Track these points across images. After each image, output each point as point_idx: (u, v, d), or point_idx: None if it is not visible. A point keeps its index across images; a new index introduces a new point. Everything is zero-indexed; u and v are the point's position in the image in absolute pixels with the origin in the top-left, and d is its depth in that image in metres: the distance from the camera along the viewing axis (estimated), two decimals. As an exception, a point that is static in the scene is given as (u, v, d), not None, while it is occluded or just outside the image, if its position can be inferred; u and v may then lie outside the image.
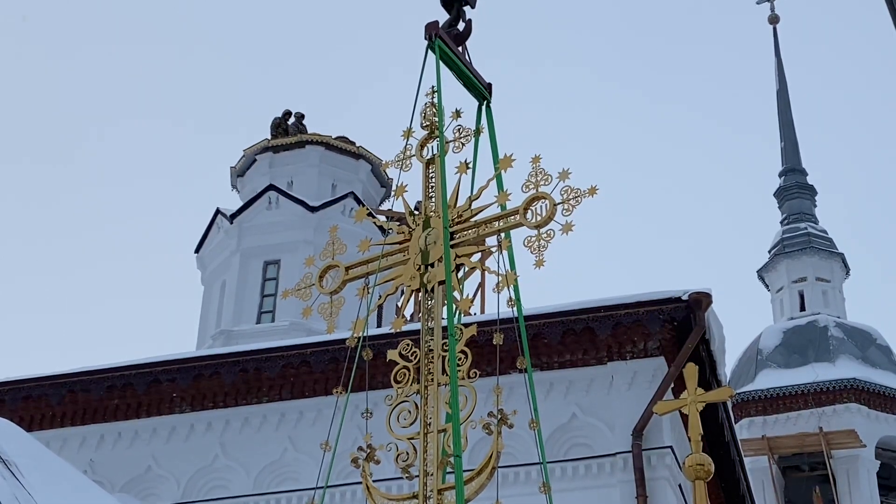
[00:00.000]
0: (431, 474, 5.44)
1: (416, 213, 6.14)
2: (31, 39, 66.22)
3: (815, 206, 35.26)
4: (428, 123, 6.18)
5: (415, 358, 5.72)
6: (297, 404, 15.51)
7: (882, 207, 74.07)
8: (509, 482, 13.40)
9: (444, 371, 5.58)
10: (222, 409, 15.80)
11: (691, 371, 9.86)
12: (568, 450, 14.36)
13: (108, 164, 69.73)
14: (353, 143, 23.19)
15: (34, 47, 66.49)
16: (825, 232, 34.17)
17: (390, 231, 6.27)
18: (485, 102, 6.45)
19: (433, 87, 6.21)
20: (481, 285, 17.76)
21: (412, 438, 5.57)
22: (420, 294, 5.90)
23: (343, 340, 6.24)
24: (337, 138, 23.14)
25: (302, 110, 23.53)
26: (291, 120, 23.45)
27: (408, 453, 5.54)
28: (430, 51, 6.24)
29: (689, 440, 9.61)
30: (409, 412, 5.61)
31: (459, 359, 5.51)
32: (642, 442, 13.86)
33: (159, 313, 67.24)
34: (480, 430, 5.44)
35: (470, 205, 5.99)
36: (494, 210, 5.93)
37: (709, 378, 14.18)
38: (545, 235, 5.62)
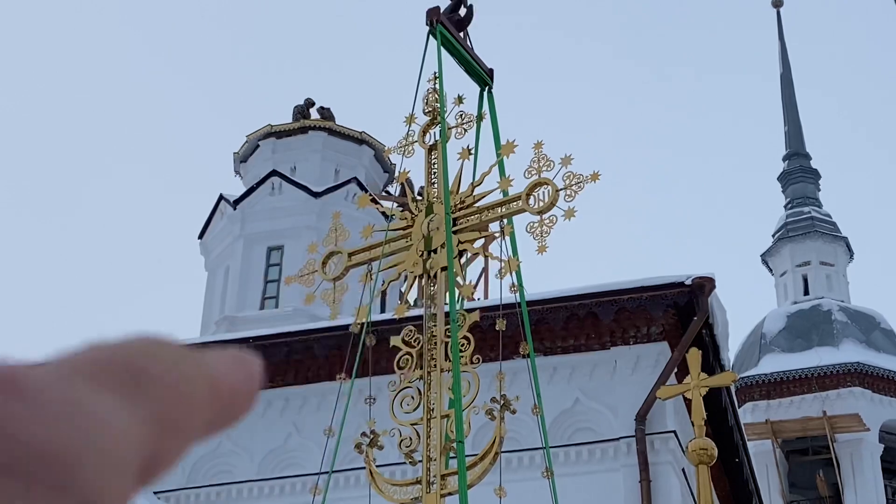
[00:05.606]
0: (434, 459, 5.45)
1: (419, 198, 6.13)
2: (34, 33, 66.19)
3: (819, 189, 35.23)
4: (430, 109, 6.17)
5: (418, 344, 5.73)
6: (301, 390, 15.53)
7: (886, 191, 74.01)
8: (512, 467, 13.42)
9: (446, 357, 5.59)
10: (226, 395, 15.82)
11: (694, 356, 9.85)
12: (571, 434, 14.37)
13: (111, 151, 69.75)
14: (355, 129, 23.17)
15: (40, 32, 66.43)
16: (829, 216, 34.14)
17: (393, 217, 6.27)
18: (486, 88, 6.44)
19: (435, 73, 6.20)
20: (484, 271, 17.71)
21: (415, 424, 5.58)
22: (423, 280, 5.91)
23: (346, 326, 6.23)
24: (339, 124, 23.11)
25: (303, 96, 23.52)
26: (302, 104, 23.37)
27: (411, 439, 5.55)
28: (431, 36, 6.23)
29: (693, 425, 9.62)
30: (413, 398, 5.62)
31: (462, 345, 5.52)
32: (645, 426, 13.88)
33: (163, 299, 67.40)
34: (483, 416, 5.45)
35: (472, 191, 5.99)
36: (497, 196, 5.93)
37: (712, 362, 14.18)
38: (548, 221, 5.62)
